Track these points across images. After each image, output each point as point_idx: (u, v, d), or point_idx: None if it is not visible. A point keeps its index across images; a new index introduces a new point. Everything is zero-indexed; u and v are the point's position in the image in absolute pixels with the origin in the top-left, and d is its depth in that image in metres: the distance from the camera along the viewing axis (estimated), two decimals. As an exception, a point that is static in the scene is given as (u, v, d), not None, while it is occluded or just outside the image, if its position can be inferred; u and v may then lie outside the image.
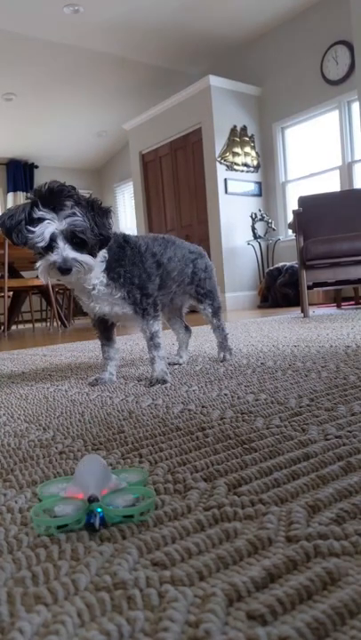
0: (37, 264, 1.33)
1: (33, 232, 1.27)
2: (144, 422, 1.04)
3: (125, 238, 1.51)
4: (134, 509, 0.58)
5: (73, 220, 1.27)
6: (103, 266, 1.43)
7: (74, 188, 1.31)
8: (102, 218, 1.33)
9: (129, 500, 0.60)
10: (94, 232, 1.31)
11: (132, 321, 1.57)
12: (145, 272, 1.50)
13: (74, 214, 1.27)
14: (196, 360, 1.93)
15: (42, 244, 1.28)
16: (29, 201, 1.30)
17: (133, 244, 1.51)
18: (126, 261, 1.47)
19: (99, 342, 1.67)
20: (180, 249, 1.69)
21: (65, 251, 1.28)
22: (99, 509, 0.57)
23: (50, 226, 1.26)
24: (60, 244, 1.28)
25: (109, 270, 1.45)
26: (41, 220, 1.26)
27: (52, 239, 1.28)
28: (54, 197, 1.27)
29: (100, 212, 1.33)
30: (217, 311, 1.84)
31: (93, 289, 1.45)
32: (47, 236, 1.27)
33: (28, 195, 1.31)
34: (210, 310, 1.83)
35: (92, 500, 0.58)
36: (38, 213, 1.26)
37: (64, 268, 1.29)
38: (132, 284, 1.47)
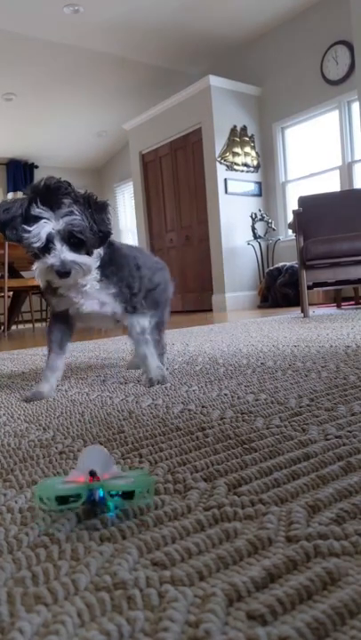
0: (34, 266, 1.29)
1: (29, 232, 1.22)
2: (144, 422, 1.04)
3: (109, 241, 1.49)
4: (135, 485, 0.60)
5: (71, 220, 1.23)
6: (98, 263, 1.40)
7: (70, 185, 1.28)
8: (100, 213, 1.30)
9: (130, 482, 0.61)
10: (93, 230, 1.27)
11: (116, 322, 1.55)
12: (130, 273, 1.49)
13: (71, 213, 1.23)
14: (195, 360, 1.93)
15: (38, 245, 1.23)
16: (26, 197, 1.25)
17: (118, 246, 1.51)
18: (116, 261, 1.46)
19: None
20: (148, 258, 1.68)
21: (63, 253, 1.24)
22: (100, 489, 0.59)
23: (46, 225, 1.22)
24: (58, 245, 1.24)
25: (103, 268, 1.42)
26: (37, 218, 1.22)
27: (49, 240, 1.23)
28: (51, 195, 1.23)
29: (97, 207, 1.29)
30: (164, 324, 1.77)
31: (86, 285, 1.41)
32: (43, 236, 1.22)
33: (25, 191, 1.26)
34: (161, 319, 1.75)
35: (92, 474, 0.59)
36: (35, 211, 1.22)
37: (62, 272, 1.25)
38: (122, 281, 1.46)
